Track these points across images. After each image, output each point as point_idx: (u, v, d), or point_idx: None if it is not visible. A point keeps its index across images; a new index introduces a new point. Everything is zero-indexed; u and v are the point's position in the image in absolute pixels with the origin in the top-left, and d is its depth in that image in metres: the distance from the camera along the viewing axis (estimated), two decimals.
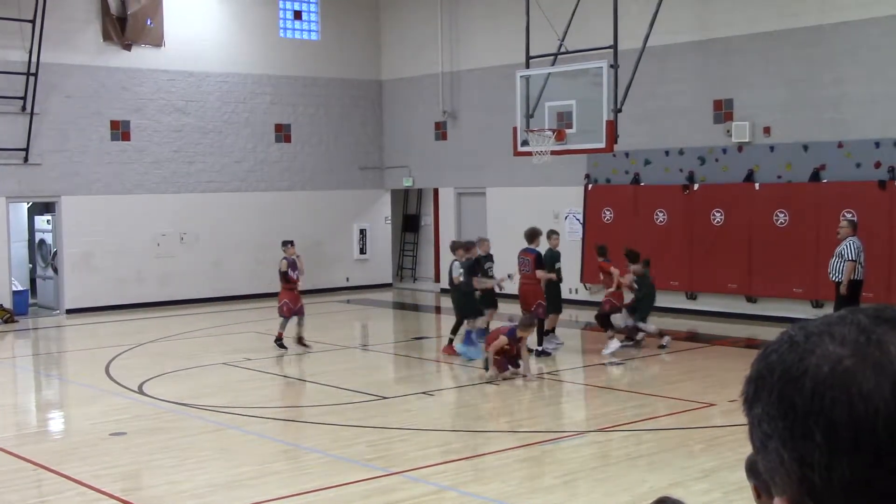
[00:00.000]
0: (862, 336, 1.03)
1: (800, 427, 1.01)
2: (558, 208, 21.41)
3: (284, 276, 15.82)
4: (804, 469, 1.01)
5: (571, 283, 20.75)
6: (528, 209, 21.90)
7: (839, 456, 0.99)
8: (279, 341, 15.67)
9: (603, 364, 14.67)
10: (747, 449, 1.20)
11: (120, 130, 21.62)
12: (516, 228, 21.82)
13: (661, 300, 18.98)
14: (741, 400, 1.11)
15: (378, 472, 9.14)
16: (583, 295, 20.78)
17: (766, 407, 1.05)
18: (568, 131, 16.80)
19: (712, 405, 11.64)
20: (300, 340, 15.59)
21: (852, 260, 14.50)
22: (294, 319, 15.55)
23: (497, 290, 15.62)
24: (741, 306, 18.21)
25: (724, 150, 18.49)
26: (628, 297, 15.89)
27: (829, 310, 16.79)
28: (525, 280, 15.23)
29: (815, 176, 17.23)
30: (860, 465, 0.98)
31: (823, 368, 1.02)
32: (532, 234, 15.54)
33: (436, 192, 25.28)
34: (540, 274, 15.13)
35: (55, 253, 21.42)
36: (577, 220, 21.02)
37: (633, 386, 13.24)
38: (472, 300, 15.29)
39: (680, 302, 19.17)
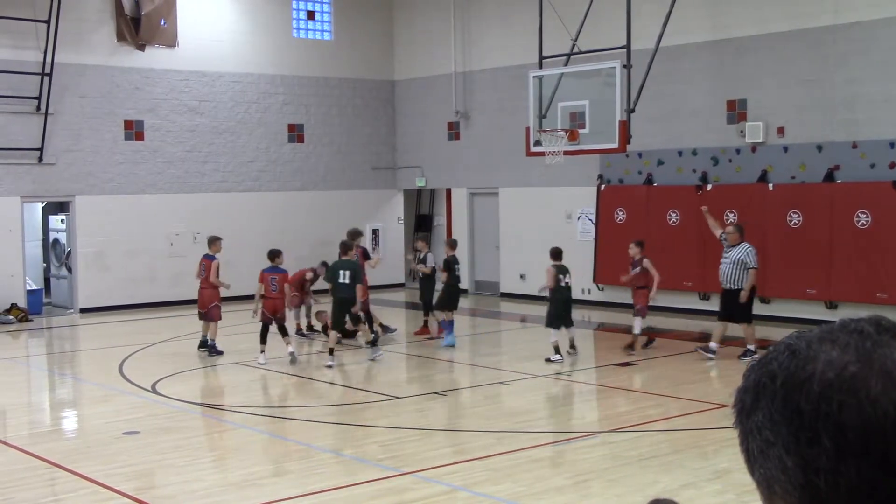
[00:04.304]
0: (867, 342, 1.03)
1: (806, 432, 1.01)
2: (571, 208, 21.39)
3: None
4: (809, 474, 1.01)
5: (584, 284, 20.74)
6: (540, 209, 21.92)
7: (848, 459, 0.98)
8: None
9: (615, 365, 14.64)
10: None
11: (133, 130, 21.71)
12: (529, 228, 21.89)
13: (674, 301, 18.99)
14: (735, 410, 1.10)
15: (390, 472, 9.14)
16: (595, 295, 20.75)
17: (768, 413, 1.04)
18: (581, 131, 16.78)
19: (725, 406, 11.59)
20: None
21: (755, 267, 14.47)
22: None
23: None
24: (755, 307, 18.11)
25: (738, 151, 18.44)
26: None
27: (843, 311, 16.79)
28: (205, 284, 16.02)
29: (829, 176, 17.17)
30: (868, 469, 0.98)
31: (829, 374, 1.01)
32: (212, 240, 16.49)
33: (448, 192, 25.29)
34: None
35: (69, 252, 21.51)
36: (590, 220, 20.99)
37: (645, 386, 13.21)
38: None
39: (693, 303, 19.13)
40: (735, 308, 14.56)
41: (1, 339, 18.24)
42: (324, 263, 17.67)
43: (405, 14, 25.02)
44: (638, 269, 15.29)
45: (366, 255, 17.20)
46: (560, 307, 14.89)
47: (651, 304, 15.55)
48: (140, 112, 21.76)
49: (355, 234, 16.20)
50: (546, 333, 14.95)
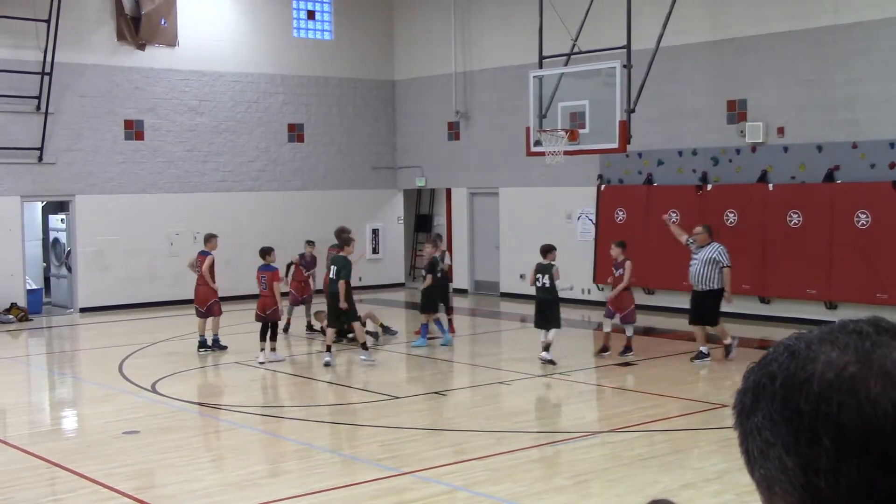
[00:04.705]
0: (866, 343, 1.03)
1: (806, 432, 1.01)
2: (571, 208, 21.40)
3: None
4: (809, 475, 1.01)
5: (584, 284, 20.75)
6: (540, 209, 21.92)
7: (848, 459, 0.99)
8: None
9: (615, 365, 14.64)
10: None
11: (133, 130, 21.71)
12: (529, 229, 21.89)
13: (673, 301, 18.99)
14: (734, 411, 1.10)
15: (390, 471, 9.14)
16: (595, 295, 20.74)
17: (768, 414, 1.05)
18: (581, 131, 16.78)
19: (724, 406, 11.59)
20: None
21: (728, 266, 14.37)
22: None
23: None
24: (754, 307, 18.15)
25: (738, 151, 18.44)
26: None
27: (843, 311, 16.79)
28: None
29: (829, 176, 17.17)
30: (868, 468, 0.98)
31: (828, 374, 1.02)
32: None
33: (448, 192, 25.30)
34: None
35: (69, 252, 21.51)
36: (590, 220, 21.00)
37: (645, 386, 13.21)
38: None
39: None
40: (706, 309, 14.45)
41: (1, 339, 18.24)
42: (309, 242, 17.79)
43: (405, 14, 25.02)
44: (621, 271, 15.06)
45: None
46: (536, 307, 14.70)
47: (616, 302, 14.94)
48: (140, 112, 21.76)
49: (343, 232, 15.89)
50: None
